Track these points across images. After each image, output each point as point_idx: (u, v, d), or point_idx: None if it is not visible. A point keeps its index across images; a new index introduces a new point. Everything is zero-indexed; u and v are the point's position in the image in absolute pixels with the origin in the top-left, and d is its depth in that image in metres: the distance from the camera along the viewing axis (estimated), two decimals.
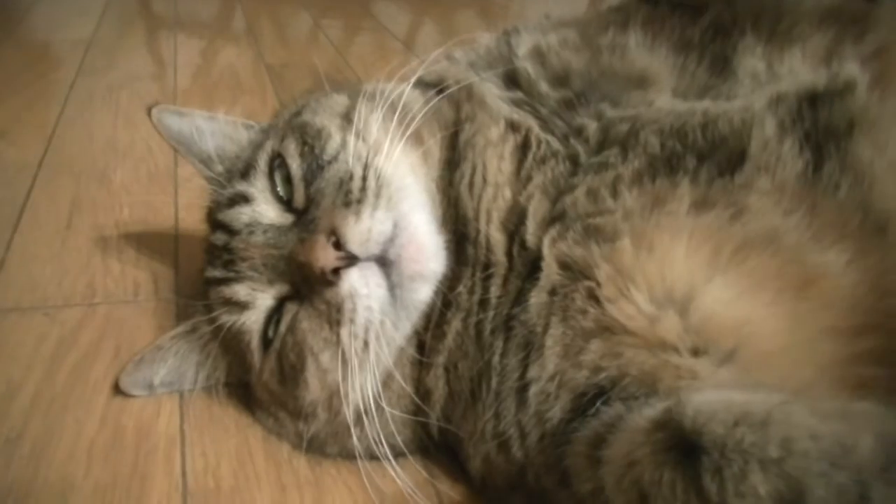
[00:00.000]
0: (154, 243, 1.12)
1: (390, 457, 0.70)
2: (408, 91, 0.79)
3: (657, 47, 0.76)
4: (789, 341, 0.58)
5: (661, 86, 0.73)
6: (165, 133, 0.86)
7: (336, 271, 0.64)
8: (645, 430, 0.51)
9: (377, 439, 0.69)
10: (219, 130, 0.86)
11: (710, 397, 0.50)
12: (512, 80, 0.80)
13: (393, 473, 0.70)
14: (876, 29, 0.69)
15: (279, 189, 0.73)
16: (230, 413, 0.82)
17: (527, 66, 0.78)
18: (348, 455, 0.74)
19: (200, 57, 2.12)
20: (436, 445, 0.76)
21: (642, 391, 0.58)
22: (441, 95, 0.78)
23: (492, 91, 0.78)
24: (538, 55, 0.80)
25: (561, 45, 0.80)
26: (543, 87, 0.75)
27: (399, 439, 0.72)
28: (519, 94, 0.77)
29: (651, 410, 0.53)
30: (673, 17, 0.79)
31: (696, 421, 0.48)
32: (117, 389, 0.83)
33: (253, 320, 0.72)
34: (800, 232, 0.60)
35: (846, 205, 0.59)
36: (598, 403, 0.59)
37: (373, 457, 0.72)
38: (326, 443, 0.75)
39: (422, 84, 0.83)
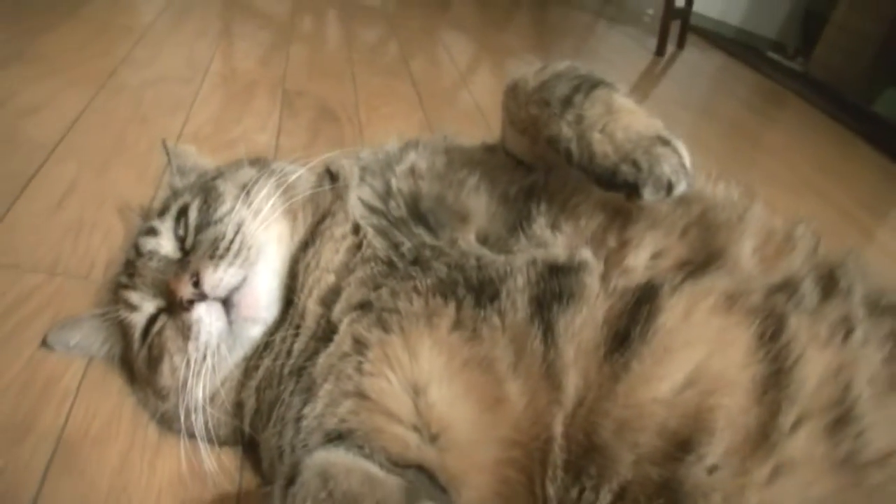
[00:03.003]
0: (119, 233, 1.38)
1: (208, 442, 0.95)
2: (301, 173, 1.04)
3: (485, 193, 0.93)
4: (473, 439, 0.80)
5: (472, 226, 0.91)
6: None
7: (191, 301, 0.90)
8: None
9: (204, 428, 0.95)
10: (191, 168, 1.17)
11: (346, 458, 0.74)
12: (387, 190, 0.99)
13: (205, 455, 0.95)
14: (632, 227, 0.86)
15: (180, 230, 0.99)
16: (118, 382, 1.07)
17: (395, 183, 0.98)
18: (185, 433, 0.99)
19: (227, 67, 2.33)
20: (248, 444, 1.01)
21: (360, 444, 0.82)
22: (331, 186, 1.03)
23: (363, 195, 0.99)
24: (410, 175, 1.00)
25: (428, 169, 0.99)
26: (393, 204, 0.96)
27: (221, 432, 0.98)
28: (379, 204, 0.99)
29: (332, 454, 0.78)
30: (510, 171, 0.96)
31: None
32: (44, 342, 1.08)
33: (138, 319, 0.99)
34: (505, 363, 0.80)
35: (537, 354, 0.79)
36: (333, 442, 0.84)
37: (202, 439, 0.97)
38: (172, 420, 1.00)
39: (325, 171, 1.09)
